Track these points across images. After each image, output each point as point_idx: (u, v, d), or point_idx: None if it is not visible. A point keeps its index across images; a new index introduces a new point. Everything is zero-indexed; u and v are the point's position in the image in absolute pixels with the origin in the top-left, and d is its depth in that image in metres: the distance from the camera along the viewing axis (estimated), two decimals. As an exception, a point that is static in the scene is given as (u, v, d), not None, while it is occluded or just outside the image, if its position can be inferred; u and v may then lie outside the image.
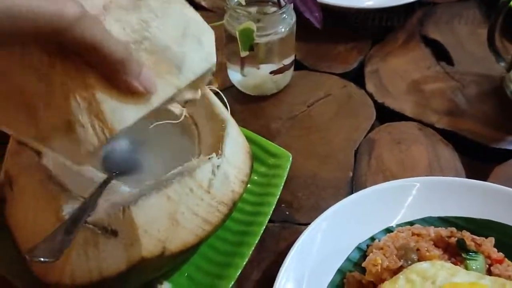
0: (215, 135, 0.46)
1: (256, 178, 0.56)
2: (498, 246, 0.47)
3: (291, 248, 0.47)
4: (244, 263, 0.48)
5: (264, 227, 0.51)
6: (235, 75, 0.67)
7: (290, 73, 0.68)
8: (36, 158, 0.41)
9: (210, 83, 0.50)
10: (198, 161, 0.42)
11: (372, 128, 0.64)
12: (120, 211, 0.37)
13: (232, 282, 0.47)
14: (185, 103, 0.50)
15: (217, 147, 0.45)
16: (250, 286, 0.50)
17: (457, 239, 0.46)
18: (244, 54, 0.58)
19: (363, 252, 0.50)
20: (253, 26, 0.57)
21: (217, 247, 0.51)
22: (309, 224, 0.54)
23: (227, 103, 0.48)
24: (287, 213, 0.56)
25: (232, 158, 0.46)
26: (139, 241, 0.39)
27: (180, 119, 0.49)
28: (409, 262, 0.44)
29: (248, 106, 0.67)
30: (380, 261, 0.45)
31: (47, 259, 0.31)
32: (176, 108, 0.50)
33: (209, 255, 0.50)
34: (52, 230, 0.34)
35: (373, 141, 0.62)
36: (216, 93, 0.51)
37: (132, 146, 0.52)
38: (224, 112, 0.47)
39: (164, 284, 0.48)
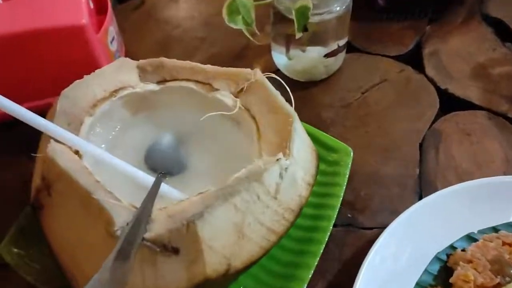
0: (278, 131, 0.40)
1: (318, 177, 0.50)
2: None
3: (364, 260, 0.42)
4: (310, 275, 0.42)
5: (329, 233, 0.45)
6: (280, 58, 0.60)
7: (342, 56, 0.61)
8: (76, 159, 0.35)
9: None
10: (264, 162, 0.36)
11: (436, 118, 0.57)
12: (184, 226, 0.31)
13: (307, 282, 0.41)
14: (238, 93, 0.44)
15: (282, 145, 0.38)
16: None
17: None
18: (299, 35, 0.51)
19: (443, 263, 0.44)
20: (310, 3, 0.50)
21: (277, 257, 0.45)
22: (374, 228, 0.49)
23: (290, 94, 0.42)
24: (350, 215, 0.50)
25: (299, 158, 0.39)
26: (203, 258, 0.33)
27: (234, 111, 0.43)
28: (508, 279, 0.38)
29: (295, 93, 0.59)
30: (472, 277, 0.39)
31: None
32: (228, 98, 0.43)
33: (269, 266, 0.44)
34: (106, 255, 0.29)
35: (440, 133, 0.56)
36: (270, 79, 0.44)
37: (177, 142, 0.46)
38: (287, 104, 0.41)
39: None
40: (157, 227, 0.31)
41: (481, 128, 0.56)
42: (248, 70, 0.44)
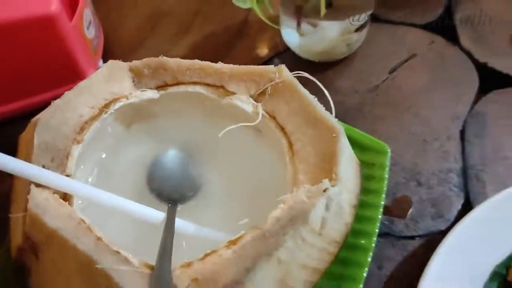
0: (318, 148, 0.32)
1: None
2: None
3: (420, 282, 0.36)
4: (366, 271, 0.36)
5: (371, 253, 0.39)
6: (291, 35, 0.51)
7: (365, 30, 0.52)
8: (67, 211, 0.27)
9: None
10: (309, 195, 0.28)
11: (476, 99, 0.50)
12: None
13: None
14: (259, 96, 0.36)
15: (326, 168, 0.31)
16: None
17: None
18: (324, 12, 0.42)
19: (503, 277, 0.38)
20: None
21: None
22: (416, 236, 0.42)
23: (330, 100, 0.34)
24: (386, 222, 0.43)
25: (346, 181, 0.32)
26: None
27: (257, 121, 0.34)
28: None
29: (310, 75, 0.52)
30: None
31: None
32: (247, 104, 0.35)
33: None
34: None
35: (483, 116, 0.49)
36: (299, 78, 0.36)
37: (185, 159, 0.38)
38: (328, 114, 0.33)
39: None
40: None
41: (529, 109, 0.49)
42: (271, 67, 0.35)
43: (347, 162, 0.32)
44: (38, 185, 0.28)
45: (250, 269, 0.25)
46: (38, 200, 0.27)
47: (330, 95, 0.51)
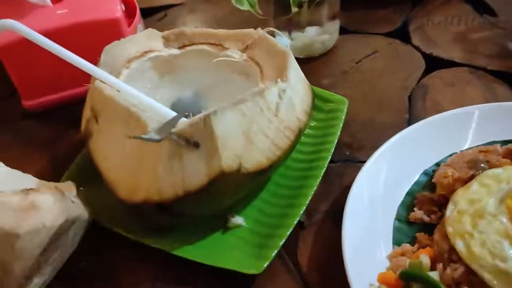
0: (277, 68, 0.48)
1: (314, 123, 0.58)
2: None
3: (358, 175, 0.49)
4: (312, 192, 0.50)
5: (328, 161, 0.52)
6: (283, 41, 0.70)
7: (336, 34, 0.70)
8: (117, 92, 0.45)
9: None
10: (266, 84, 0.45)
11: (422, 77, 0.65)
12: (202, 120, 0.40)
13: (303, 209, 0.48)
14: (245, 49, 0.54)
15: (281, 75, 0.47)
16: (319, 216, 0.51)
17: (526, 148, 0.46)
18: (294, 9, 0.61)
19: (430, 176, 0.50)
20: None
21: (284, 184, 0.53)
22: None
23: (286, 38, 0.51)
24: (348, 153, 0.57)
25: (296, 87, 0.48)
26: (219, 153, 0.41)
27: (241, 59, 0.52)
28: (480, 171, 0.44)
29: (298, 69, 0.70)
30: (450, 173, 0.45)
31: (156, 137, 0.37)
32: (236, 54, 0.53)
33: (278, 191, 0.52)
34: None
35: (426, 86, 0.64)
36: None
37: (197, 96, 0.55)
38: (284, 46, 0.50)
39: (236, 217, 0.50)
40: (182, 124, 0.40)
41: (463, 79, 0.63)
42: (252, 30, 0.53)
43: (295, 74, 0.48)
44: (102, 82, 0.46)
45: (221, 107, 0.41)
46: (101, 84, 0.45)
47: (310, 78, 0.68)
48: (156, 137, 0.38)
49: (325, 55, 0.70)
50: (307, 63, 0.70)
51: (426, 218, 0.46)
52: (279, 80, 0.46)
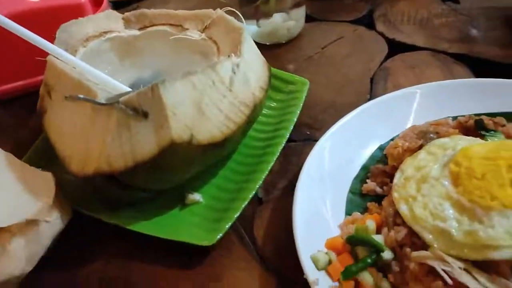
0: (232, 44, 0.49)
1: (274, 104, 0.59)
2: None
3: (312, 150, 0.49)
4: (269, 167, 0.50)
5: (286, 139, 0.53)
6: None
7: (302, 21, 0.71)
8: (71, 67, 0.45)
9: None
10: (219, 59, 0.45)
11: (385, 60, 0.66)
12: (149, 89, 0.40)
13: (259, 183, 0.49)
14: (204, 30, 0.54)
15: (236, 51, 0.48)
16: (277, 192, 0.51)
17: (475, 119, 0.46)
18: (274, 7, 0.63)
19: (384, 151, 0.51)
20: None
21: (243, 161, 0.53)
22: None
23: (242, 18, 0.52)
24: (308, 133, 0.58)
25: (251, 63, 0.48)
26: (168, 123, 0.41)
27: (200, 38, 0.53)
28: (429, 141, 0.45)
29: (264, 54, 0.70)
30: (400, 144, 0.46)
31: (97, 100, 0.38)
32: (195, 34, 0.54)
33: (236, 168, 0.53)
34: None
35: (388, 69, 0.64)
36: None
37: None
38: (239, 22, 0.51)
39: (194, 194, 0.51)
40: (130, 94, 0.41)
41: (425, 62, 0.64)
42: (211, 10, 0.54)
43: (250, 49, 0.49)
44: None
45: (170, 78, 0.41)
46: (55, 59, 0.45)
47: (276, 63, 0.69)
48: (98, 100, 0.38)
49: (291, 42, 0.71)
50: (273, 49, 0.71)
51: (378, 190, 0.46)
52: (232, 54, 0.46)
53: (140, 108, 0.41)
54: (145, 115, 0.41)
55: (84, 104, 0.42)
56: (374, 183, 0.47)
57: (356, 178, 0.48)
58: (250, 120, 0.49)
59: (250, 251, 0.47)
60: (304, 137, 0.57)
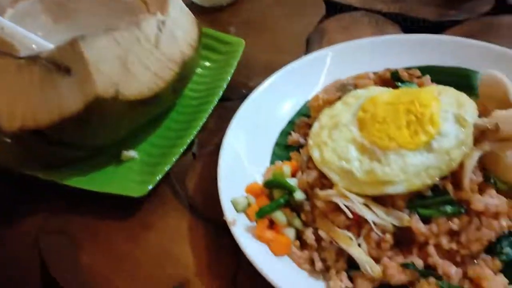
0: (160, 3, 0.50)
1: (210, 64, 0.61)
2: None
3: (241, 106, 0.51)
4: (201, 123, 0.52)
5: (219, 97, 0.55)
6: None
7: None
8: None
9: None
10: (143, 16, 0.47)
11: (321, 21, 0.68)
12: (69, 44, 0.41)
13: (190, 138, 0.51)
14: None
15: (162, 9, 0.49)
16: (210, 148, 0.54)
17: (391, 72, 0.49)
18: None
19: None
20: None
21: (178, 119, 0.55)
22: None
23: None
24: (244, 91, 0.60)
25: (179, 21, 0.50)
26: (92, 78, 0.43)
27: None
28: (347, 93, 0.48)
29: (204, 17, 0.71)
30: (321, 96, 0.48)
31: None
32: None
33: (171, 126, 0.55)
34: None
35: (323, 30, 0.67)
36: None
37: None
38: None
39: (129, 151, 0.52)
40: (50, 50, 0.42)
41: (359, 22, 0.67)
42: (142, -29, 0.55)
43: (177, 7, 0.50)
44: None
45: (91, 33, 0.42)
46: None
47: (216, 27, 0.70)
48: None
49: (232, 5, 0.73)
50: (214, 12, 0.72)
51: (302, 140, 0.49)
52: (158, 12, 0.48)
53: (62, 63, 0.42)
54: (67, 70, 0.42)
55: (8, 61, 0.43)
56: (298, 134, 0.49)
57: (282, 132, 0.51)
58: (181, 78, 0.51)
59: (181, 201, 0.49)
60: (241, 96, 0.59)
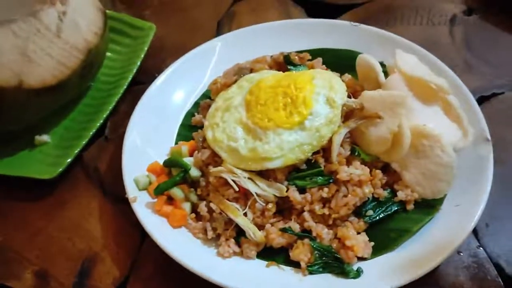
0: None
1: (120, 48, 0.63)
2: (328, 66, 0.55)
3: (148, 88, 0.55)
4: (111, 107, 0.55)
5: (129, 81, 0.58)
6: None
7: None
8: None
9: None
10: (40, 6, 0.48)
11: (232, 4, 0.72)
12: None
13: (100, 122, 0.54)
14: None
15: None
16: (122, 130, 0.56)
17: (284, 55, 0.54)
18: None
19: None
20: None
21: (90, 103, 0.58)
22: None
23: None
24: (157, 74, 0.62)
25: (81, 10, 0.52)
26: (-8, 69, 0.44)
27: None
28: (242, 76, 0.52)
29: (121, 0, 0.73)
30: (219, 79, 0.52)
31: None
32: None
33: (84, 110, 0.58)
34: None
35: (234, 13, 0.70)
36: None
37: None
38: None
39: (42, 135, 0.55)
40: None
41: (265, 5, 0.71)
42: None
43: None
44: None
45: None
46: None
47: (130, 10, 0.71)
48: None
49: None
50: (131, -4, 0.73)
51: (205, 121, 0.53)
52: (58, 2, 0.49)
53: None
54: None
55: None
56: (201, 115, 0.53)
57: (188, 113, 0.55)
58: (87, 65, 0.53)
59: (93, 181, 0.53)
60: (153, 79, 0.62)
